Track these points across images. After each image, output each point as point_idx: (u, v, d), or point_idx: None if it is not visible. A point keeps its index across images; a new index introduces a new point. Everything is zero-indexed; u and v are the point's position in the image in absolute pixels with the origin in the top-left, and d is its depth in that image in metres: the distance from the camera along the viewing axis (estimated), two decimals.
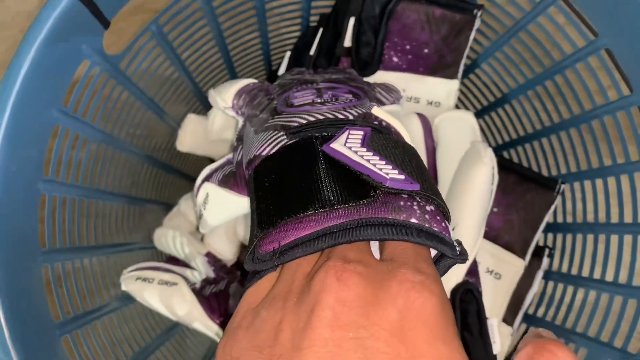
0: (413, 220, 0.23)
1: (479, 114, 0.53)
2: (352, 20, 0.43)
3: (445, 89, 0.45)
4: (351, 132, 0.27)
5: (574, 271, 0.43)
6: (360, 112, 0.31)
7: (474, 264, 0.38)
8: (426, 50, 0.43)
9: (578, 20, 0.35)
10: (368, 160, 0.25)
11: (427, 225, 0.23)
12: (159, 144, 0.49)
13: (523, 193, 0.45)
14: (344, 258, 0.22)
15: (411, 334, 0.19)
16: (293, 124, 0.29)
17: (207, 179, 0.37)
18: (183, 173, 0.58)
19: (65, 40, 0.29)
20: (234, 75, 0.53)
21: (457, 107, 0.54)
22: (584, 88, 0.39)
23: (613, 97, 0.36)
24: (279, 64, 0.52)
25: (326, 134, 0.28)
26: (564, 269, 0.44)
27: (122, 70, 0.37)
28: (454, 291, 0.36)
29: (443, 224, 0.24)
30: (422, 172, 0.26)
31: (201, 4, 0.39)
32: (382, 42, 0.42)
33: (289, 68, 0.49)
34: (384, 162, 0.25)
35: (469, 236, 0.36)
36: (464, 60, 0.44)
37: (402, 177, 0.24)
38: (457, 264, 0.37)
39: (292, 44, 0.51)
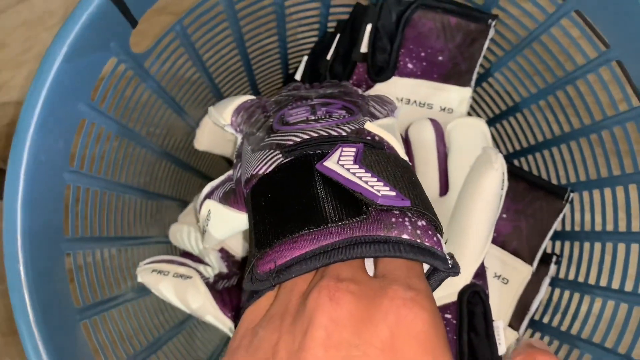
0: (405, 236, 0.23)
1: (490, 122, 0.54)
2: (369, 27, 0.44)
3: (458, 96, 0.46)
4: (344, 149, 0.28)
5: (581, 279, 0.43)
6: (353, 127, 0.31)
7: (482, 268, 0.39)
8: (441, 58, 0.44)
9: (590, 32, 0.36)
10: (360, 178, 0.26)
11: (418, 240, 0.24)
12: (177, 142, 0.50)
13: (532, 200, 0.46)
14: (337, 277, 0.22)
15: (402, 350, 0.20)
16: (288, 142, 0.30)
17: (209, 196, 0.39)
18: (199, 171, 0.59)
19: (96, 37, 0.31)
20: (251, 77, 0.54)
21: (469, 114, 0.55)
22: (595, 99, 0.39)
23: (623, 108, 0.37)
24: (296, 68, 0.53)
25: (320, 152, 0.29)
26: (571, 276, 0.45)
27: (146, 68, 0.38)
28: (462, 293, 0.37)
29: (435, 238, 0.24)
30: (414, 187, 0.27)
31: (224, 7, 0.41)
32: (398, 49, 0.43)
33: (305, 72, 0.50)
34: (375, 179, 0.26)
35: (478, 240, 0.37)
36: (477, 69, 0.45)
37: (393, 193, 0.25)
38: (467, 265, 0.38)
39: (309, 49, 0.53)
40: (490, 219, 0.37)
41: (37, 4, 0.70)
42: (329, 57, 0.47)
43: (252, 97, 0.39)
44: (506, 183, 0.38)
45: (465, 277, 0.37)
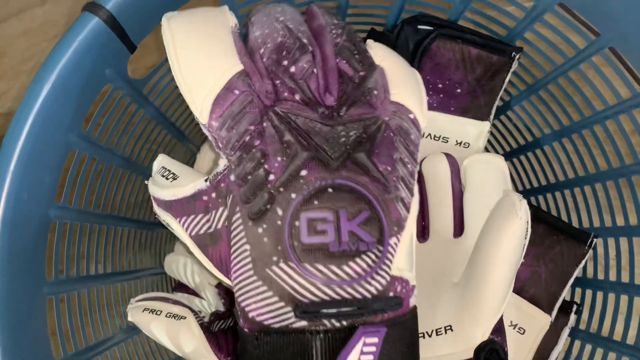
0: None
1: (507, 156, 0.51)
2: None
3: (475, 130, 0.43)
4: (366, 340, 0.24)
5: (605, 332, 0.40)
6: (382, 279, 0.26)
7: (501, 322, 0.36)
8: (459, 90, 0.41)
9: (625, 71, 0.33)
10: None
11: None
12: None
13: (552, 245, 0.43)
14: None
15: None
16: (301, 296, 0.24)
17: (171, 211, 0.29)
18: None
19: (89, 64, 0.28)
20: None
21: (486, 147, 0.52)
22: (626, 141, 0.37)
23: None
24: None
25: (338, 326, 0.24)
26: (593, 328, 0.42)
27: (145, 94, 0.35)
28: (479, 350, 0.34)
29: None
30: None
31: None
32: None
33: None
34: None
35: (498, 293, 0.34)
36: (497, 102, 0.42)
37: None
38: (484, 320, 0.35)
39: None
40: (511, 272, 0.34)
41: (39, 14, 0.68)
42: None
43: (239, 72, 0.26)
44: (529, 232, 0.35)
45: (482, 333, 0.34)
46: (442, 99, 0.42)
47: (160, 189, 0.30)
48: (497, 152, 0.53)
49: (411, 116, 0.30)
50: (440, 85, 0.41)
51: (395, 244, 0.27)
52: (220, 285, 0.45)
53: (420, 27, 0.40)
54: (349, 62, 0.28)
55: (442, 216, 0.41)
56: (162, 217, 0.30)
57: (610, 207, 0.41)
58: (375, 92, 0.28)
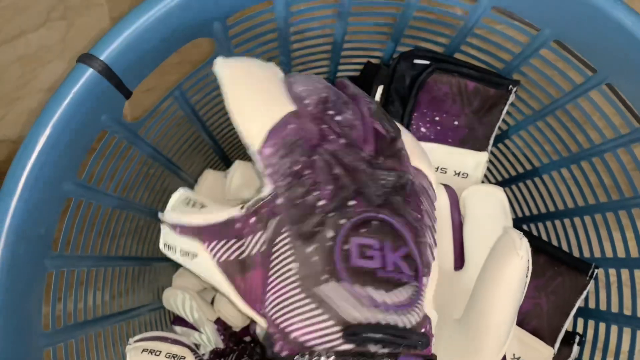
0: None
1: (506, 182, 0.51)
2: (380, 89, 0.41)
3: (474, 160, 0.43)
4: None
5: None
6: (418, 313, 0.27)
7: None
8: (456, 123, 0.41)
9: (622, 107, 0.33)
10: None
11: None
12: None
13: (554, 276, 0.42)
14: None
15: None
16: (350, 317, 0.25)
17: (199, 234, 0.28)
18: None
19: (84, 114, 0.28)
20: None
21: (484, 175, 0.52)
22: (625, 175, 0.36)
23: None
24: None
25: (381, 352, 0.25)
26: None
27: (141, 136, 0.35)
28: None
29: None
30: None
31: None
32: (411, 113, 0.41)
33: None
34: None
35: (499, 333, 0.34)
36: (495, 134, 0.42)
37: None
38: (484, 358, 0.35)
39: None
40: (512, 311, 0.34)
41: (33, 40, 0.68)
42: None
43: (293, 111, 0.28)
44: (531, 269, 0.34)
45: None
46: (439, 131, 0.42)
47: (188, 215, 0.29)
48: (496, 179, 0.53)
49: (428, 179, 0.33)
50: (437, 118, 0.41)
51: (425, 284, 0.29)
52: (219, 321, 0.44)
53: (416, 61, 0.40)
54: (381, 123, 0.31)
55: (442, 248, 0.41)
56: (180, 246, 0.29)
57: (611, 238, 0.40)
58: (403, 151, 0.31)
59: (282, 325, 0.26)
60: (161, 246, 0.31)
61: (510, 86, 0.40)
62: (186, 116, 0.39)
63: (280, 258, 0.26)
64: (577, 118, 0.38)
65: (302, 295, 0.25)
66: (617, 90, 0.33)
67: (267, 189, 0.28)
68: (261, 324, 0.27)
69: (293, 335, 0.25)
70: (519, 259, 0.33)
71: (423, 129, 0.42)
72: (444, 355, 0.36)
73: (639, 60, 0.30)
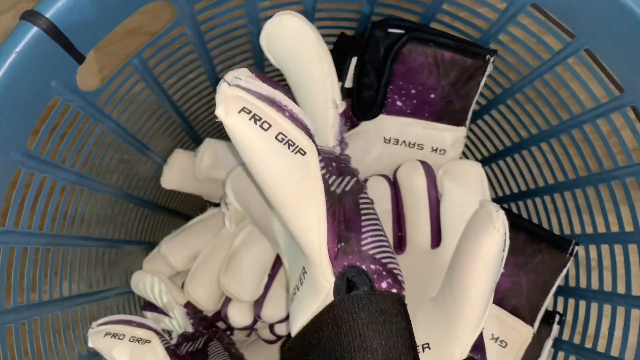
0: None
1: (485, 162, 0.50)
2: (354, 61, 0.40)
3: (451, 136, 0.41)
4: None
5: (588, 344, 0.39)
6: None
7: (480, 338, 0.34)
8: (433, 96, 0.40)
9: (602, 74, 0.32)
10: None
11: None
12: (142, 181, 0.45)
13: (533, 254, 0.41)
14: None
15: None
16: None
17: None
18: (169, 209, 0.55)
19: (30, 76, 0.26)
20: None
21: (462, 153, 0.51)
22: (605, 146, 0.35)
23: (638, 158, 0.33)
24: None
25: None
26: (577, 339, 0.40)
27: (100, 107, 0.33)
28: None
29: None
30: None
31: (191, 37, 0.36)
32: (386, 85, 0.39)
33: None
34: None
35: (476, 309, 0.32)
36: (472, 107, 0.41)
37: None
38: (463, 337, 0.33)
39: None
40: (490, 286, 0.33)
41: None
42: None
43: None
44: (507, 243, 0.33)
45: (461, 351, 0.33)
46: (415, 105, 0.40)
47: None
48: (474, 158, 0.51)
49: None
50: (413, 91, 0.40)
51: None
52: (189, 305, 0.43)
53: (390, 30, 0.39)
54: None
55: (419, 226, 0.39)
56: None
57: (591, 213, 0.39)
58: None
59: (384, 261, 0.27)
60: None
61: (488, 56, 0.38)
62: (150, 89, 0.38)
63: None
64: (556, 89, 0.37)
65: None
66: (596, 55, 0.32)
67: None
68: (324, 268, 0.24)
69: (395, 270, 0.27)
70: (495, 232, 0.32)
71: (399, 103, 0.40)
72: (422, 335, 0.35)
73: (620, 23, 0.28)
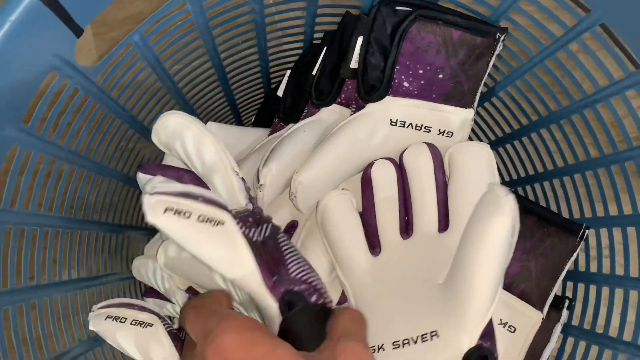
0: None
1: (493, 145, 0.49)
2: (359, 40, 0.38)
3: (459, 118, 0.40)
4: None
5: (599, 329, 0.38)
6: None
7: (490, 325, 0.33)
8: (441, 76, 0.39)
9: (618, 50, 0.31)
10: None
11: None
12: (143, 160, 0.44)
13: (543, 238, 0.40)
14: None
15: None
16: None
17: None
18: None
19: (26, 47, 0.25)
20: (229, 92, 0.49)
21: (470, 137, 0.50)
22: (619, 126, 0.34)
23: None
24: (279, 82, 0.48)
25: None
26: (587, 324, 0.39)
27: (99, 85, 0.32)
28: (467, 357, 0.32)
29: None
30: None
31: (193, 15, 0.35)
32: (392, 66, 0.38)
33: (288, 88, 0.44)
34: None
35: (485, 296, 0.32)
36: (481, 88, 0.40)
37: None
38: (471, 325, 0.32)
39: (293, 62, 0.47)
40: (499, 273, 0.32)
41: None
42: (314, 71, 0.42)
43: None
44: (517, 228, 0.32)
45: (470, 339, 0.32)
46: (423, 86, 0.39)
47: None
48: (482, 141, 0.50)
49: None
50: (420, 71, 0.39)
51: None
52: (190, 289, 0.42)
53: (398, 8, 0.38)
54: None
55: (426, 210, 0.39)
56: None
57: (603, 196, 0.38)
58: None
59: (309, 281, 0.30)
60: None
61: (498, 34, 0.37)
62: (151, 68, 0.37)
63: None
64: (567, 67, 0.36)
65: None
66: (612, 31, 0.31)
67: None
68: (268, 299, 0.29)
69: (319, 286, 0.30)
70: (503, 217, 0.31)
71: (406, 84, 0.39)
72: (430, 322, 0.34)
73: None
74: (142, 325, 0.37)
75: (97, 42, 0.41)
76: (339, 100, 0.41)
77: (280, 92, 0.45)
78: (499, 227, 0.31)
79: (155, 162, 0.45)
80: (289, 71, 0.45)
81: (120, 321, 0.36)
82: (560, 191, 0.43)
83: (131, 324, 0.36)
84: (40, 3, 0.24)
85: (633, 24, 0.29)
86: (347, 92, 0.41)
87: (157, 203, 0.24)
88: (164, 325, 0.37)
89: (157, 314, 0.38)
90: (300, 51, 0.47)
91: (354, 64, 0.39)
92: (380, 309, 0.37)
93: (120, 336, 0.36)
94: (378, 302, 0.37)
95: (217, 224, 0.27)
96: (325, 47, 0.42)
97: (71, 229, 0.35)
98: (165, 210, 0.25)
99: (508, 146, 0.47)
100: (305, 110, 0.42)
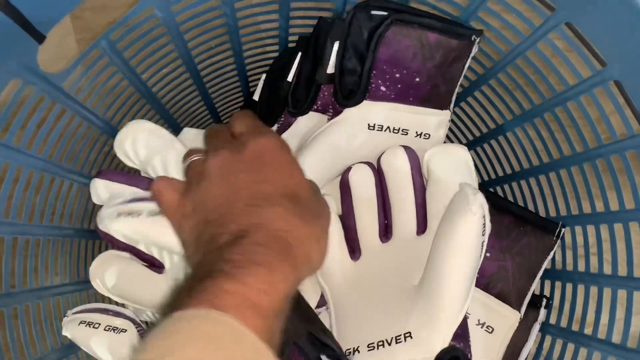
0: None
1: (469, 145, 0.49)
2: (336, 45, 0.38)
3: (436, 119, 0.40)
4: None
5: (575, 327, 0.38)
6: None
7: (463, 326, 0.33)
8: (418, 79, 0.38)
9: (584, 48, 0.31)
10: None
11: None
12: (117, 167, 0.44)
13: (519, 237, 0.40)
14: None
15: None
16: None
17: None
18: None
19: None
20: (206, 96, 0.49)
21: (446, 138, 0.50)
22: (589, 124, 0.34)
23: (622, 134, 0.32)
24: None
25: None
26: (564, 322, 0.39)
27: (66, 91, 0.32)
28: (439, 358, 0.32)
29: None
30: None
31: (162, 20, 0.35)
32: (369, 71, 0.37)
33: (263, 92, 0.44)
34: None
35: (456, 297, 0.32)
36: (457, 89, 0.40)
37: None
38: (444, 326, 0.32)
39: (269, 65, 0.47)
40: (469, 272, 0.32)
41: None
42: (289, 78, 0.42)
43: None
44: (488, 227, 0.32)
45: (442, 340, 0.32)
46: (400, 89, 0.38)
47: None
48: (459, 142, 0.50)
49: None
50: (397, 75, 0.38)
51: None
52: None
53: (374, 12, 0.37)
54: None
55: (405, 213, 0.39)
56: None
57: (577, 194, 0.39)
58: None
59: None
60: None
61: (474, 36, 0.37)
62: (122, 73, 0.36)
63: None
64: (537, 66, 0.36)
65: None
66: (577, 29, 0.31)
67: None
68: None
69: None
70: (472, 215, 0.31)
71: (383, 88, 0.38)
72: (404, 324, 0.34)
73: None
74: (116, 331, 0.36)
75: (68, 43, 0.40)
76: (316, 107, 0.41)
77: (256, 97, 0.45)
78: (468, 227, 0.31)
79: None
80: (264, 75, 0.44)
81: (93, 327, 0.36)
82: (536, 189, 0.43)
83: (105, 329, 0.36)
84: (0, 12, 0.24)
85: (597, 21, 0.29)
86: (324, 99, 0.40)
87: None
88: (138, 331, 0.37)
89: (132, 320, 0.38)
90: (276, 54, 0.47)
91: (330, 69, 0.39)
92: (358, 312, 0.37)
93: (93, 342, 0.36)
94: (356, 306, 0.37)
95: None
96: (300, 54, 0.42)
97: (40, 236, 0.35)
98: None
99: (485, 145, 0.47)
100: (282, 118, 0.42)
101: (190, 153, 0.33)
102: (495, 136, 0.44)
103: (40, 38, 0.28)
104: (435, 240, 0.34)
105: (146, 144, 0.35)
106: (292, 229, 0.27)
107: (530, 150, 0.42)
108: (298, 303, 0.33)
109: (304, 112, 0.41)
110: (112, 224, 0.34)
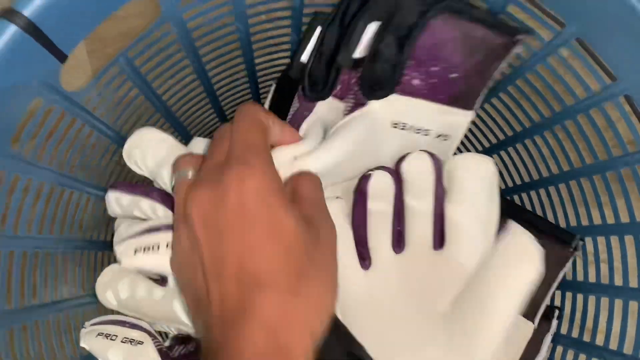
0: None
1: (486, 152, 0.48)
2: (372, 25, 0.33)
3: (460, 120, 0.38)
4: None
5: (587, 337, 0.38)
6: None
7: None
8: (454, 75, 0.35)
9: (593, 63, 0.32)
10: None
11: None
12: (131, 178, 0.45)
13: None
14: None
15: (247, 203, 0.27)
16: None
17: None
18: None
19: (9, 76, 0.26)
20: (218, 108, 0.49)
21: (463, 144, 0.50)
22: (600, 137, 0.35)
23: (633, 149, 0.32)
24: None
25: None
26: (575, 333, 0.40)
27: (86, 107, 0.33)
28: None
29: None
30: None
31: (177, 36, 0.36)
32: (406, 60, 0.34)
33: (274, 100, 0.43)
34: None
35: (497, 342, 0.32)
36: (486, 90, 0.37)
37: None
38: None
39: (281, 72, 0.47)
40: (513, 319, 0.33)
41: None
42: (303, 58, 0.37)
43: None
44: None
45: None
46: (433, 85, 0.35)
47: None
48: (475, 148, 0.49)
49: None
50: (434, 69, 0.35)
51: None
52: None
53: None
54: None
55: (421, 223, 0.37)
56: None
57: (587, 205, 0.39)
58: None
59: None
60: None
61: (519, 35, 0.34)
62: (138, 89, 0.37)
63: None
64: (549, 81, 0.36)
65: None
66: (587, 45, 0.31)
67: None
68: None
69: None
70: (533, 268, 0.32)
71: (416, 81, 0.35)
72: (432, 353, 0.34)
73: (613, 9, 0.28)
74: (133, 343, 0.37)
75: (88, 61, 0.41)
76: (334, 92, 0.37)
77: (266, 105, 0.45)
78: (526, 279, 0.32)
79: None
80: (274, 85, 0.45)
81: (111, 339, 0.37)
82: (556, 198, 0.42)
83: (122, 341, 0.37)
84: (23, 32, 0.25)
85: (606, 37, 0.30)
86: (344, 85, 0.36)
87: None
88: (154, 343, 0.37)
89: (149, 332, 0.38)
90: (288, 61, 0.47)
91: (359, 53, 0.34)
92: (376, 332, 0.36)
93: (111, 354, 0.37)
94: (373, 324, 0.36)
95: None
96: (319, 29, 0.37)
97: (63, 249, 0.36)
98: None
99: (502, 153, 0.46)
100: (296, 105, 0.38)
101: (178, 164, 0.32)
102: (513, 143, 0.44)
103: (62, 57, 0.28)
104: (485, 278, 0.34)
105: (154, 155, 0.36)
106: (291, 318, 0.25)
107: (549, 158, 0.41)
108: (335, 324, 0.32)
109: (323, 97, 0.37)
110: (132, 262, 0.35)
